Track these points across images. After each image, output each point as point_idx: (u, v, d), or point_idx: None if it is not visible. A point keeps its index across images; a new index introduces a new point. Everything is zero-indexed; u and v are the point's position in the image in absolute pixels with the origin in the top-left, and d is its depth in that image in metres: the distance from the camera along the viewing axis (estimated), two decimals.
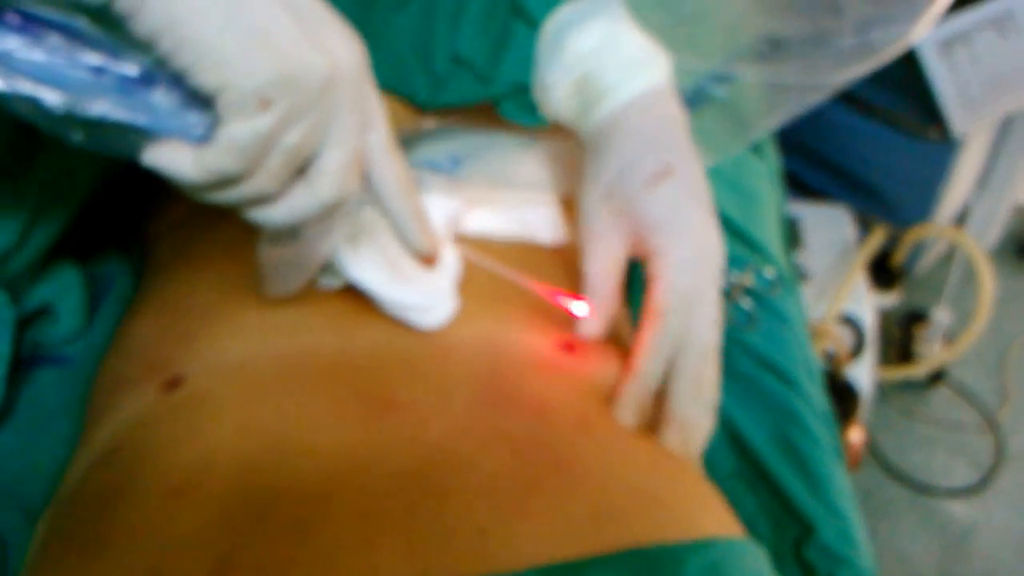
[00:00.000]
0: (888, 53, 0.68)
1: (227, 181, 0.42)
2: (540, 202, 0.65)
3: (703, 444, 0.55)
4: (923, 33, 0.69)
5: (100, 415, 0.55)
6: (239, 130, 0.40)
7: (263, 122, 0.40)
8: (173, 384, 0.52)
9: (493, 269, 0.55)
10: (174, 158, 0.41)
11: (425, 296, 0.54)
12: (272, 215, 0.45)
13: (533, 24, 0.61)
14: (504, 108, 0.65)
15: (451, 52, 0.65)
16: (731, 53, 0.67)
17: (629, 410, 0.53)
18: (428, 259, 0.50)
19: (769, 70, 0.66)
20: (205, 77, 0.39)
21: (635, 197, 0.55)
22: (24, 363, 0.62)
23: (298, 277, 0.53)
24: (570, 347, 0.56)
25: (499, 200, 0.63)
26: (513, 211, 0.64)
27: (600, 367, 0.56)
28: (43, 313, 0.63)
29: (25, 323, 0.62)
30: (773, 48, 0.66)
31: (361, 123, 0.45)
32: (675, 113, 0.59)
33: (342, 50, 0.43)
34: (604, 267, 0.56)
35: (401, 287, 0.53)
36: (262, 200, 0.44)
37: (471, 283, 0.57)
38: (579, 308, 0.56)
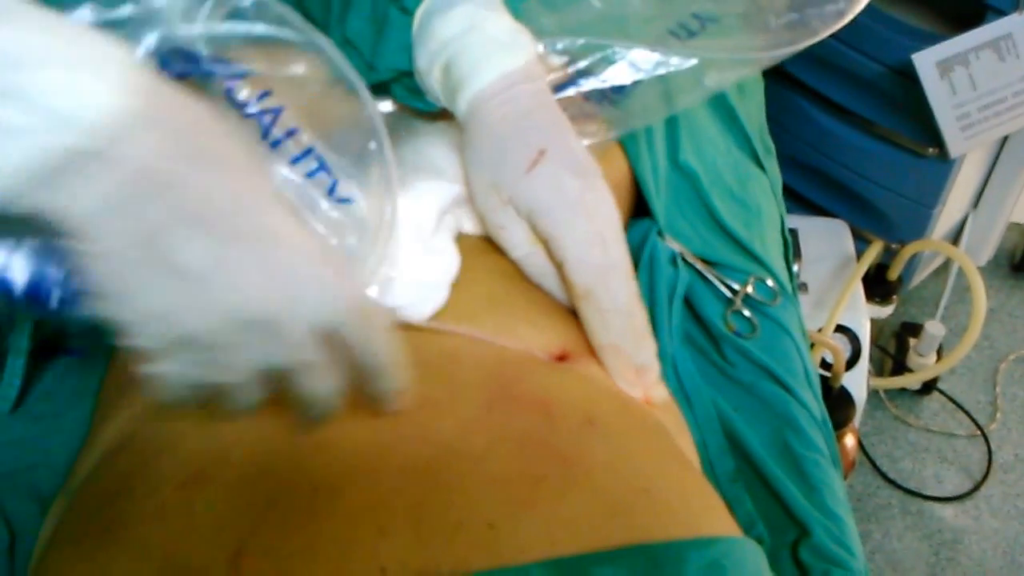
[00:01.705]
0: (823, 31, 0.67)
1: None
2: (450, 188, 0.64)
3: (657, 380, 0.58)
4: (858, 11, 0.67)
5: (112, 408, 0.54)
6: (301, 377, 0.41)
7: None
8: None
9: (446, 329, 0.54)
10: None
11: (405, 295, 0.54)
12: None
13: (406, 11, 0.61)
14: (395, 92, 0.64)
15: (341, 35, 0.64)
16: (662, 32, 0.66)
17: (628, 384, 0.56)
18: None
19: (702, 47, 0.65)
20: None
21: (515, 185, 0.55)
22: (38, 354, 0.62)
23: None
24: (563, 358, 0.56)
25: (417, 185, 0.63)
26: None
27: (601, 373, 0.56)
28: None
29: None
30: (705, 24, 0.66)
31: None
32: (539, 90, 0.58)
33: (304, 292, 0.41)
34: (529, 246, 0.57)
35: (382, 292, 0.53)
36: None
37: (475, 284, 0.57)
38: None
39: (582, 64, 0.64)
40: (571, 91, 0.64)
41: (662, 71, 0.63)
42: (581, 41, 0.64)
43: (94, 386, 0.60)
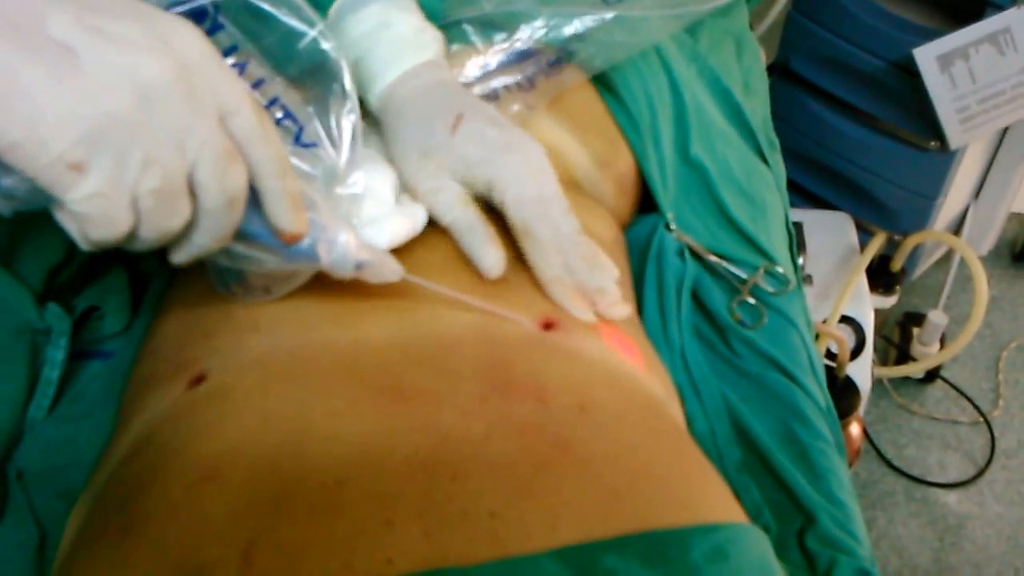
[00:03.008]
0: None
1: (118, 238, 0.41)
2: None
3: (616, 300, 0.58)
4: None
5: (131, 411, 0.55)
6: (71, 200, 0.38)
7: (90, 184, 0.38)
8: (197, 380, 0.52)
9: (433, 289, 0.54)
10: (65, 223, 0.41)
11: (365, 222, 0.55)
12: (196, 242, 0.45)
13: (321, 8, 0.61)
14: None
15: None
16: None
17: (579, 311, 0.57)
18: (291, 238, 0.48)
19: (627, 5, 0.67)
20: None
21: (445, 148, 0.58)
22: (71, 358, 0.62)
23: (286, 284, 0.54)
24: (550, 325, 0.55)
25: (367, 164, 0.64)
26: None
27: (588, 340, 0.56)
28: (92, 312, 0.64)
29: (77, 323, 0.63)
30: None
31: (214, 116, 0.42)
32: (443, 75, 0.62)
33: (149, 66, 0.40)
34: (460, 208, 0.58)
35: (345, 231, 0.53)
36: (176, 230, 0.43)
37: (459, 271, 0.57)
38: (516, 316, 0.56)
39: (519, 38, 0.67)
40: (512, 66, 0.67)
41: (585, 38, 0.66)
42: (504, 10, 0.67)
43: (121, 387, 0.60)
